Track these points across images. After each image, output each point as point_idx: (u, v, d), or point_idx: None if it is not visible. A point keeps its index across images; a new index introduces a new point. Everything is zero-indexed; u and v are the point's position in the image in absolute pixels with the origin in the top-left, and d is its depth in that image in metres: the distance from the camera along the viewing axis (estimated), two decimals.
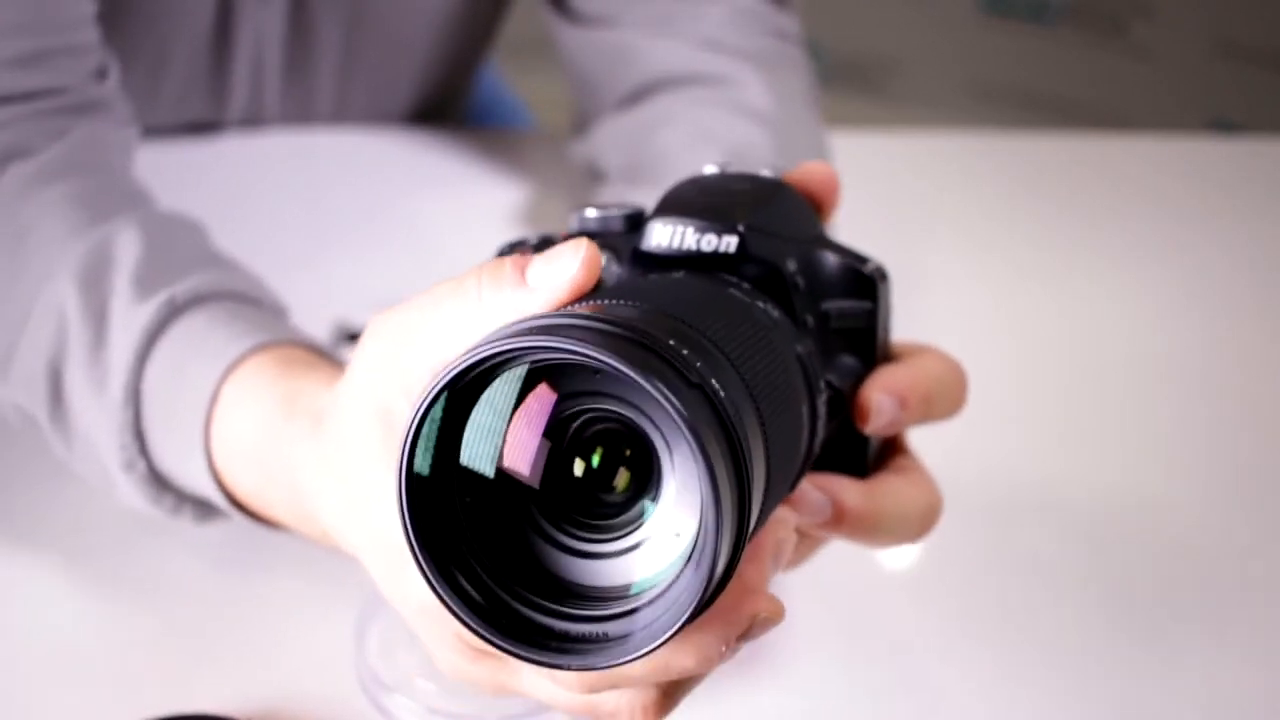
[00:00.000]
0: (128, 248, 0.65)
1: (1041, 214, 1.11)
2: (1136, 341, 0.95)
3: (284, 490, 0.58)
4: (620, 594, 0.44)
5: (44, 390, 0.65)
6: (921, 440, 0.60)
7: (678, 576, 0.43)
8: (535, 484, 0.45)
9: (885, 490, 0.56)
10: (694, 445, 0.40)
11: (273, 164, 1.04)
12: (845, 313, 0.55)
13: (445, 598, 0.43)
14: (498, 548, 0.45)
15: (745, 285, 0.52)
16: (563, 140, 1.01)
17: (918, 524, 0.57)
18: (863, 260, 0.56)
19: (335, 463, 0.52)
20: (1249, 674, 0.69)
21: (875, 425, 0.55)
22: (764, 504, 0.45)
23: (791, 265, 0.54)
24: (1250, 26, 2.52)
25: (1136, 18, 2.62)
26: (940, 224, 1.08)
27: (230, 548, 0.70)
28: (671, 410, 0.40)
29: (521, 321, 0.44)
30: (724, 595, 0.43)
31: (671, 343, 0.42)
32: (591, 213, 0.56)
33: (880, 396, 0.54)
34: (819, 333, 0.55)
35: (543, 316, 0.45)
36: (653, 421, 0.43)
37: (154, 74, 0.99)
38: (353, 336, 0.84)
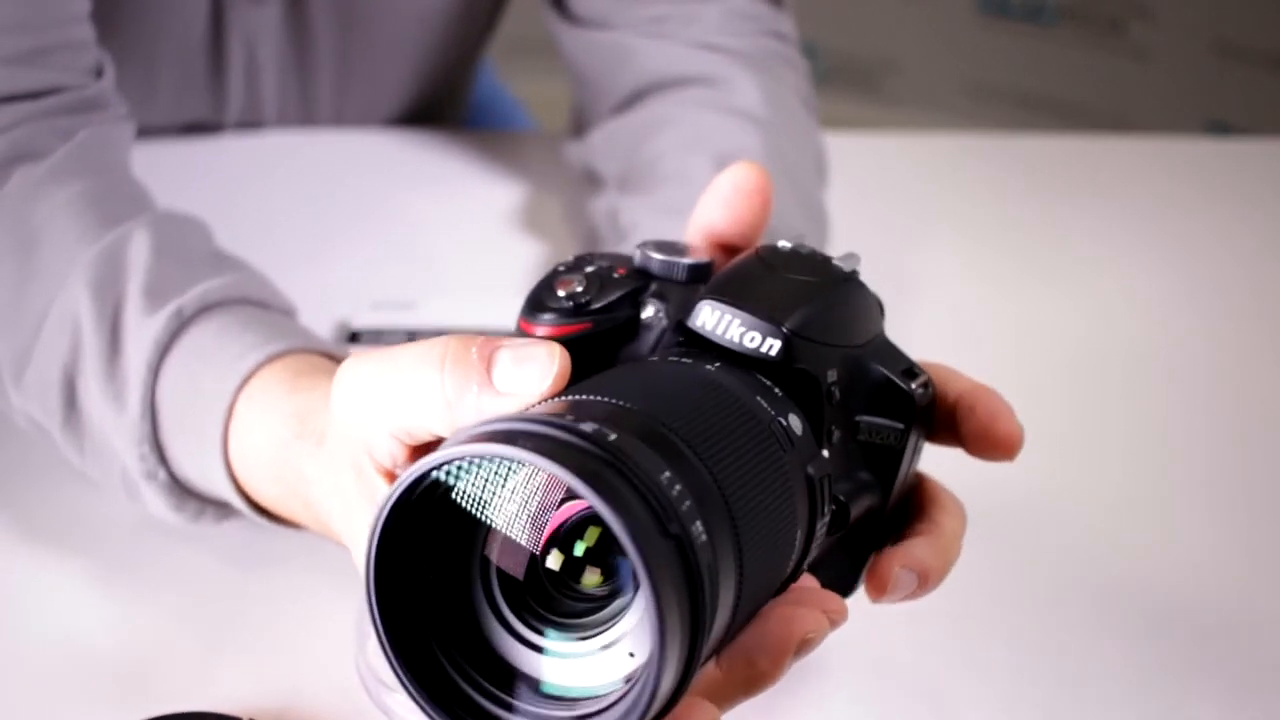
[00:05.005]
0: (138, 253, 0.66)
1: (1038, 215, 1.11)
2: (1134, 341, 0.95)
3: (300, 502, 0.59)
4: (562, 697, 0.44)
5: (58, 398, 0.65)
6: None
7: (620, 698, 0.42)
8: (519, 575, 0.44)
9: (946, 533, 0.54)
10: (653, 609, 0.39)
11: (271, 164, 1.04)
12: (875, 429, 0.52)
13: (404, 680, 0.43)
14: (454, 627, 0.44)
15: (777, 391, 0.50)
16: (561, 141, 1.02)
17: (961, 542, 0.56)
18: (911, 374, 0.53)
19: (334, 482, 0.54)
20: (1265, 679, 0.69)
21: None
22: (728, 631, 0.44)
23: (832, 375, 0.51)
24: (1247, 28, 2.53)
25: (1134, 19, 2.62)
26: (937, 225, 1.08)
27: (231, 546, 0.70)
28: (640, 566, 0.39)
29: (489, 423, 0.43)
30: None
31: (661, 478, 0.41)
32: (656, 254, 0.54)
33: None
34: (843, 443, 0.52)
35: (522, 419, 0.42)
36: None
37: (148, 75, 0.99)
38: (354, 336, 0.85)
